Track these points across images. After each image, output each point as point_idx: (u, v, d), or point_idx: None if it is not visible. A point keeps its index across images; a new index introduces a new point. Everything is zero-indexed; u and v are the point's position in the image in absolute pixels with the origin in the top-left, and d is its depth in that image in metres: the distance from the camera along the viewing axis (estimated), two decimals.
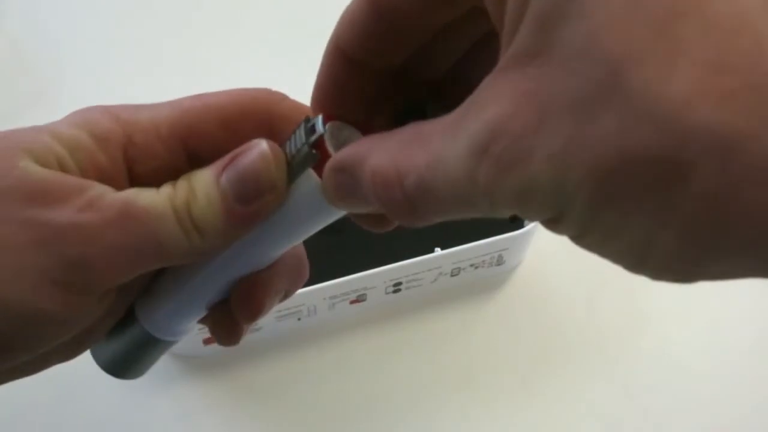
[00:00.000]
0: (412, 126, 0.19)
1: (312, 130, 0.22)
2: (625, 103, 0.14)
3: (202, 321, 0.28)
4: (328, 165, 0.21)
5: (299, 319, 0.51)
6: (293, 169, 0.23)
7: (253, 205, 0.23)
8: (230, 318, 0.27)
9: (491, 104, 0.16)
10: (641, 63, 0.14)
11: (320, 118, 0.22)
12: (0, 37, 0.68)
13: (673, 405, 0.51)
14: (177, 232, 0.23)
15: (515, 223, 0.52)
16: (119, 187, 0.24)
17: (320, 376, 0.51)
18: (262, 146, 0.23)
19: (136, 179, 0.25)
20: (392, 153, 0.19)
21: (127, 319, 0.27)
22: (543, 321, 0.54)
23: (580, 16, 0.15)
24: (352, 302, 0.52)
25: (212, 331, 0.28)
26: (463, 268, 0.53)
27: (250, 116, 0.25)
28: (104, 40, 0.68)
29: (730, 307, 0.54)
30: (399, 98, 0.24)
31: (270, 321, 0.50)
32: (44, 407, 0.49)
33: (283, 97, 0.25)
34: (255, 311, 0.26)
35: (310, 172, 0.22)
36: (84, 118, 0.24)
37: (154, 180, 0.24)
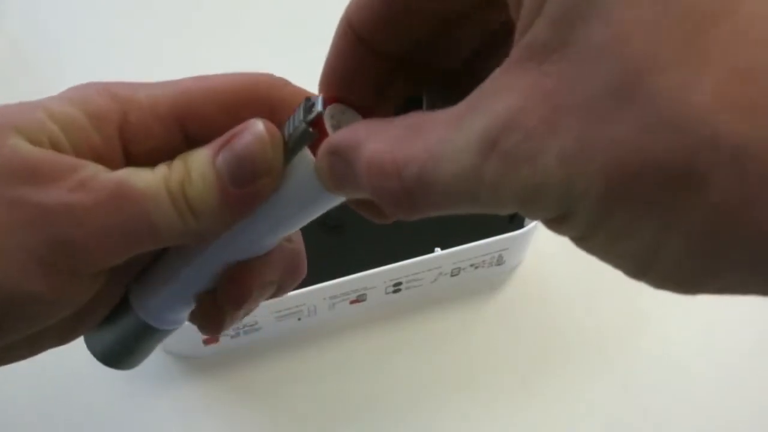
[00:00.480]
0: (415, 114, 0.19)
1: (311, 108, 0.22)
2: (645, 106, 0.14)
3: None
4: (322, 146, 0.21)
5: (299, 319, 0.51)
6: (290, 148, 0.22)
7: (249, 187, 0.22)
8: (216, 305, 0.26)
9: (502, 97, 0.16)
10: (666, 67, 0.14)
11: (321, 98, 0.22)
12: (0, 37, 0.68)
13: (673, 405, 0.51)
14: (171, 213, 0.22)
15: (515, 223, 0.52)
16: (114, 167, 0.23)
17: (320, 376, 0.51)
18: (258, 127, 0.22)
19: (131, 159, 0.24)
20: (391, 141, 0.18)
21: (121, 306, 0.27)
22: (543, 321, 0.54)
23: (605, 15, 0.14)
24: (352, 302, 0.52)
25: (197, 317, 0.27)
26: (463, 268, 0.53)
27: (251, 101, 0.24)
28: (104, 40, 0.68)
29: (730, 307, 0.54)
30: (408, 87, 0.23)
31: (270, 321, 0.50)
32: (44, 407, 0.49)
33: (286, 83, 0.25)
34: (241, 299, 0.26)
35: (306, 152, 0.22)
36: (79, 95, 0.24)
37: (150, 160, 0.24)
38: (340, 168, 0.20)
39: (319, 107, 0.21)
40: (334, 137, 0.20)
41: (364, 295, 0.51)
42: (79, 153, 0.23)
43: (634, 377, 0.52)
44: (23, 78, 0.65)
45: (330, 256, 0.49)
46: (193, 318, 0.27)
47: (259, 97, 0.24)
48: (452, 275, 0.53)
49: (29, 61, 0.66)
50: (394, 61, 0.22)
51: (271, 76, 0.25)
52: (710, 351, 0.53)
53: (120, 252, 0.23)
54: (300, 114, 0.22)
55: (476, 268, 0.53)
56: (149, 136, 0.24)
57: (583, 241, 0.16)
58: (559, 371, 0.52)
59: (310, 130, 0.21)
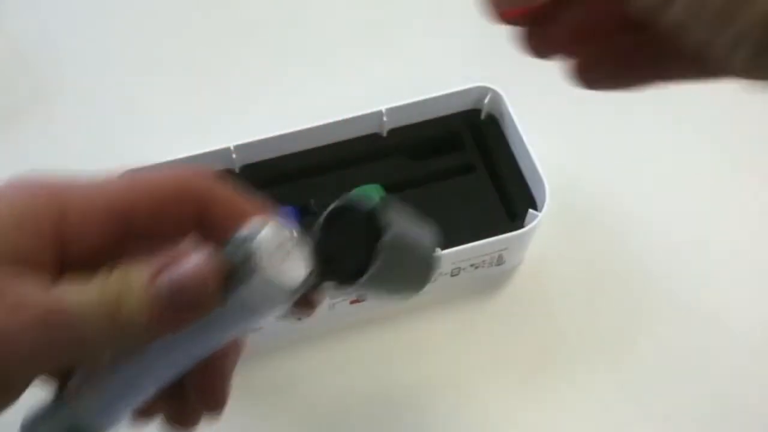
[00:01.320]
0: None
1: (250, 243, 0.24)
2: None
3: (149, 409, 0.28)
4: None
5: (299, 319, 0.51)
6: (233, 279, 0.24)
7: (184, 314, 0.23)
8: (186, 405, 0.28)
9: None
10: None
11: (257, 229, 0.24)
12: (0, 37, 0.68)
13: (673, 405, 0.51)
14: (102, 330, 0.23)
15: (515, 223, 0.52)
16: (49, 267, 0.24)
17: (320, 376, 0.51)
18: (199, 258, 0.23)
19: (68, 257, 0.25)
20: None
21: (57, 404, 0.27)
22: (543, 321, 0.54)
23: None
24: (352, 302, 0.52)
25: (169, 419, 0.28)
26: (463, 268, 0.53)
27: (185, 201, 0.26)
28: (104, 40, 0.68)
29: (730, 306, 0.54)
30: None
31: (270, 321, 0.50)
32: None
33: (215, 182, 0.26)
34: (221, 400, 0.28)
35: (250, 284, 0.23)
36: (15, 193, 0.24)
37: (87, 258, 0.25)
38: None
39: (257, 244, 0.24)
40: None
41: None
42: (12, 255, 0.23)
43: (634, 377, 0.52)
44: (23, 78, 0.65)
45: None
46: (164, 418, 0.29)
47: (191, 198, 0.26)
48: (452, 275, 0.53)
49: (29, 61, 0.66)
50: None
51: (202, 175, 0.27)
52: (711, 351, 0.53)
53: (50, 367, 0.24)
54: (241, 247, 0.24)
55: (476, 268, 0.53)
56: (87, 235, 0.25)
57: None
58: (559, 371, 0.52)
59: (252, 265, 0.23)
